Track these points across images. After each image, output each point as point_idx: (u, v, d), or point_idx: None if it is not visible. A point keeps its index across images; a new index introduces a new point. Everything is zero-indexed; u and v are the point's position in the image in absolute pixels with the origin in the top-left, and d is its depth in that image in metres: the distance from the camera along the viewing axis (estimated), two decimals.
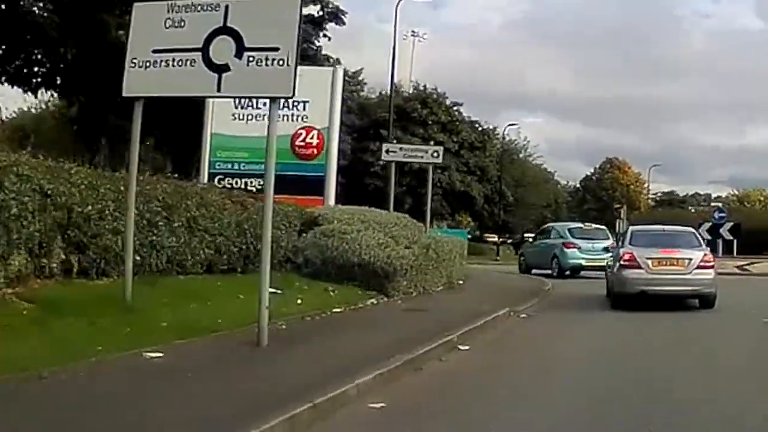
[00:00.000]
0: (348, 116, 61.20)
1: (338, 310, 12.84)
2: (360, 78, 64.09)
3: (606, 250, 24.23)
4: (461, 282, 19.80)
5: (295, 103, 20.04)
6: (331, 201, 20.32)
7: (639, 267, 15.27)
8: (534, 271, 28.21)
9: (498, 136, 61.77)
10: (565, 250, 26.52)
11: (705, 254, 15.71)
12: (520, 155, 68.85)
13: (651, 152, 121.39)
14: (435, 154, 21.75)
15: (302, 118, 20.68)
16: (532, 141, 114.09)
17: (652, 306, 15.18)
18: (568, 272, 26.32)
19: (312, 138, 20.63)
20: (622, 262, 15.56)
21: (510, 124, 61.07)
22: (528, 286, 20.58)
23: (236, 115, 20.91)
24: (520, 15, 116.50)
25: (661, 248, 15.53)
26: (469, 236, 73.52)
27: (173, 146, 29.09)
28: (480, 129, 60.22)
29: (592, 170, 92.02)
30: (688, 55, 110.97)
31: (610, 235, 27.41)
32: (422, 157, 22.67)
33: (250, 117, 20.68)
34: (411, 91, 59.33)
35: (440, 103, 58.33)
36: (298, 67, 8.85)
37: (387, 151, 21.86)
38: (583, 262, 26.07)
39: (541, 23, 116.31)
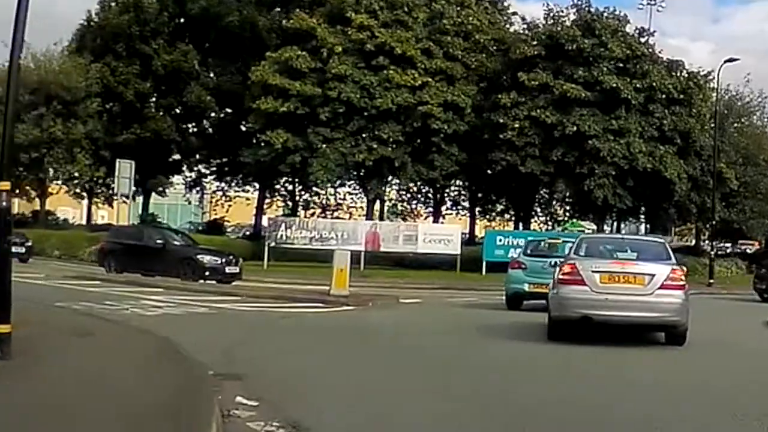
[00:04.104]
0: (474, 56, 41.06)
1: None
2: (505, 4, 44.05)
3: None
4: None
5: None
6: None
7: (582, 283, 11.98)
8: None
9: (713, 87, 38.87)
10: (510, 271, 19.87)
11: (673, 269, 12.15)
12: (753, 117, 45.15)
13: None
14: None
15: None
16: None
17: (601, 336, 11.88)
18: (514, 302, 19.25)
19: None
20: (560, 276, 12.41)
21: (728, 60, 37.07)
22: None
23: None
24: None
25: (612, 259, 12.41)
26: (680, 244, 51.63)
27: None
28: (683, 73, 38.24)
29: None
30: None
31: None
32: None
33: None
34: (573, 15, 38.31)
35: (616, 30, 37.05)
36: None
37: None
38: (527, 288, 18.90)
39: None
